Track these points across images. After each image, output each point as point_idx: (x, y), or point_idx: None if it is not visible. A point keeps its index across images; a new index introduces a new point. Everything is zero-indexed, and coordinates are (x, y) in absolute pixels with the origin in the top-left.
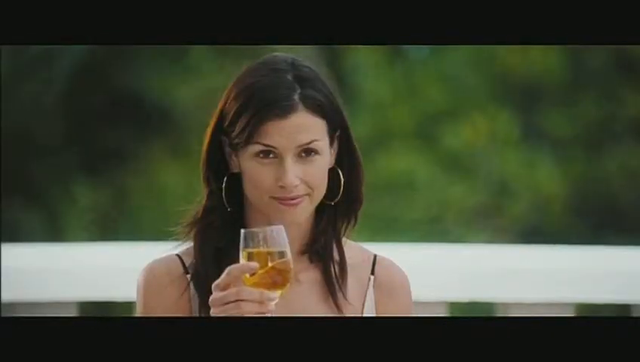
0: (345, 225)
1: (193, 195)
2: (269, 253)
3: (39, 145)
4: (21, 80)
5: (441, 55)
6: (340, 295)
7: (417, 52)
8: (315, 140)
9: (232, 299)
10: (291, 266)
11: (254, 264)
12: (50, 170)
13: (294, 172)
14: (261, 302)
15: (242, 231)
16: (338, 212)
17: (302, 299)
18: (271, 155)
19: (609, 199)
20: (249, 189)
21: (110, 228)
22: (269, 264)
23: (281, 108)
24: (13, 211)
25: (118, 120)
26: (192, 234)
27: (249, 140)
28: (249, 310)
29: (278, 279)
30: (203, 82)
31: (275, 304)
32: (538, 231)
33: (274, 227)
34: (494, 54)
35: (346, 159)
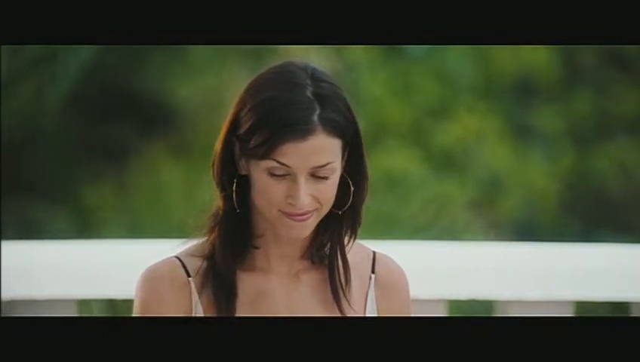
0: (349, 234)
1: (194, 194)
2: None
3: (41, 142)
4: (24, 78)
5: (435, 52)
6: (344, 301)
7: (412, 50)
8: (331, 162)
9: None
10: None
11: None
12: (52, 167)
13: (306, 191)
14: None
15: None
16: (344, 219)
17: (304, 299)
18: (284, 173)
19: (601, 195)
20: (258, 199)
21: (111, 225)
22: None
23: (300, 131)
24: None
25: (119, 118)
26: (211, 238)
27: (265, 156)
28: None
29: None
30: (205, 81)
31: (276, 303)
32: (530, 227)
33: None
34: (487, 51)
35: (354, 168)
